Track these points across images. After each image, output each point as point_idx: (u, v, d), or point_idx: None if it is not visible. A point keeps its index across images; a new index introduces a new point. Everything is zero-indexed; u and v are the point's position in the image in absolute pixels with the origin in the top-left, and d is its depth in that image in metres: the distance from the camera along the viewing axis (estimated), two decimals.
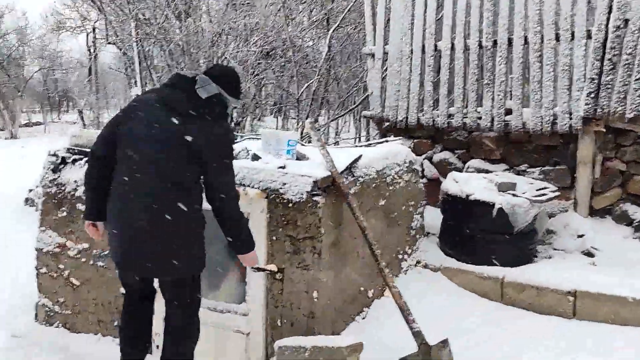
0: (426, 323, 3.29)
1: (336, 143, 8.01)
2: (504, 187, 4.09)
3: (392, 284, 2.89)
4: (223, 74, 2.61)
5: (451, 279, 4.05)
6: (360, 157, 3.45)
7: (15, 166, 10.75)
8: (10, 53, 22.31)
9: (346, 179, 3.26)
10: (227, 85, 2.59)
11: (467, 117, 5.07)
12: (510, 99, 4.93)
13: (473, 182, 4.15)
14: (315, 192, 2.95)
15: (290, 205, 2.99)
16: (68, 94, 26.43)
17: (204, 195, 2.55)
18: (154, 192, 2.44)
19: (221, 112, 2.55)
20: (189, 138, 2.42)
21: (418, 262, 4.22)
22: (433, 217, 4.72)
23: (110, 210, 2.55)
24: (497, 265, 3.95)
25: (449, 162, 5.29)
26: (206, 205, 2.55)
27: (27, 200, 7.48)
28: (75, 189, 3.61)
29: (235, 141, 3.74)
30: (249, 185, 3.07)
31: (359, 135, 10.58)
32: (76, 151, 3.77)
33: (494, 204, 3.90)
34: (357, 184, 3.35)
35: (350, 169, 3.33)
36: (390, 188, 3.79)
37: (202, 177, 2.51)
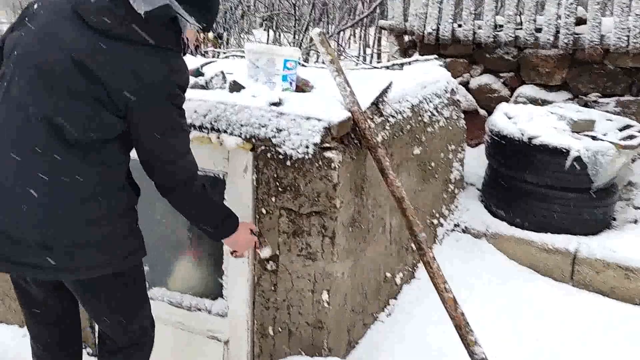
0: (471, 314, 2.45)
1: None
2: (579, 127, 3.07)
3: (445, 285, 1.94)
4: None
5: (501, 249, 3.14)
6: (390, 85, 2.39)
7: None
8: None
9: (371, 119, 2.22)
10: None
11: (521, 29, 3.94)
12: (584, 6, 3.79)
13: (537, 120, 3.12)
14: (327, 145, 1.93)
15: (289, 163, 1.99)
16: None
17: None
18: (33, 148, 1.49)
19: (169, 38, 1.54)
20: (103, 73, 1.46)
21: (456, 225, 3.28)
22: (470, 160, 3.74)
23: None
24: (565, 232, 3.02)
25: (492, 89, 4.21)
26: None
27: None
28: None
29: (207, 63, 2.64)
30: (225, 131, 2.05)
31: (364, 53, 9.27)
32: None
33: (568, 151, 2.90)
34: (386, 127, 2.33)
35: (377, 104, 2.28)
36: (429, 130, 2.77)
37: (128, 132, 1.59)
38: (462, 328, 1.91)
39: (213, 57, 5.35)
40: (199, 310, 2.34)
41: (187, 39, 1.62)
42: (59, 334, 1.86)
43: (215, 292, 2.31)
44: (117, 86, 1.46)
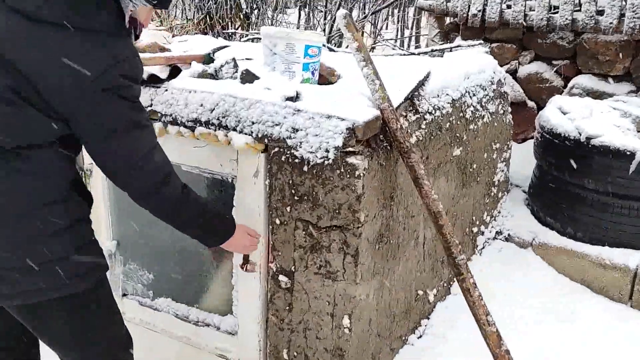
0: (514, 339, 2.17)
1: (373, 47, 6.44)
2: None
3: (487, 318, 1.67)
4: None
5: (549, 262, 2.84)
6: (428, 76, 2.11)
7: None
8: None
9: (405, 117, 1.95)
10: None
11: (579, 11, 3.56)
12: None
13: (597, 117, 2.78)
14: (351, 149, 1.67)
15: (306, 168, 1.74)
16: None
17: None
18: None
19: (108, 20, 1.29)
20: (26, 65, 1.23)
21: (499, 232, 2.98)
22: (516, 158, 3.41)
23: None
24: (624, 246, 2.69)
25: (543, 79, 3.85)
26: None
27: None
28: None
29: (220, 48, 2.39)
30: (234, 129, 1.81)
31: (402, 36, 8.87)
32: None
33: (633, 154, 2.56)
34: (422, 126, 2.05)
35: (412, 99, 2.00)
36: (471, 127, 2.47)
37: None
38: None
39: (240, 39, 5.11)
40: (207, 325, 2.15)
41: (135, 19, 1.36)
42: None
43: (225, 307, 2.10)
44: (46, 81, 1.23)
